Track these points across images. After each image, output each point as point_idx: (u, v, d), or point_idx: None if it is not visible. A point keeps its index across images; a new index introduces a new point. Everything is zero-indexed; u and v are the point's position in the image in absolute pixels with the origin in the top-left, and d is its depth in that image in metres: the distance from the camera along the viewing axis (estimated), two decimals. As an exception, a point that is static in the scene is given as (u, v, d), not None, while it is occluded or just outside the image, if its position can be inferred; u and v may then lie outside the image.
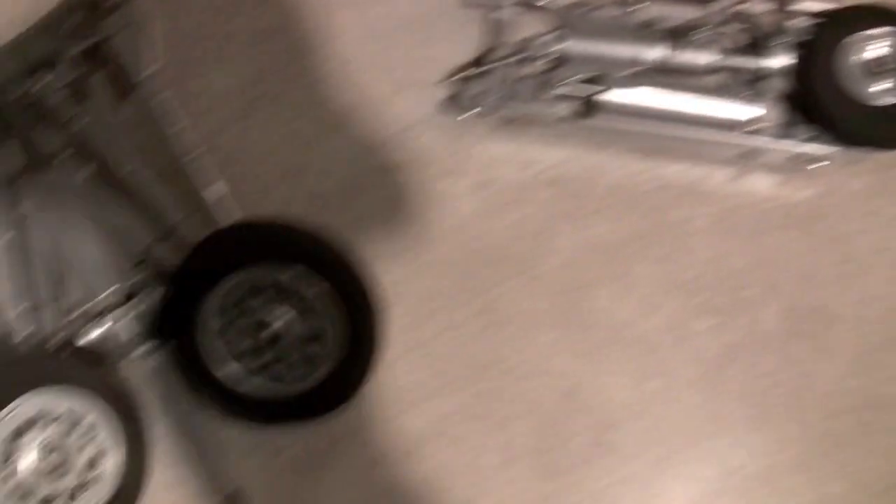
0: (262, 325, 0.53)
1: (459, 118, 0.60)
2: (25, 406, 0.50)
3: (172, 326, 0.53)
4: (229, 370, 0.53)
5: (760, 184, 0.59)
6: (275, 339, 0.53)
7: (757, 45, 0.57)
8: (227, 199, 0.55)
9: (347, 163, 0.60)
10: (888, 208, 0.59)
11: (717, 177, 0.60)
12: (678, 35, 0.57)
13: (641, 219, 0.59)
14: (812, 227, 0.59)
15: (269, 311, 0.53)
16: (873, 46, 0.56)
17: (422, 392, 0.56)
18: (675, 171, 0.60)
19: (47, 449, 0.50)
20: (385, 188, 0.59)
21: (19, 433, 0.50)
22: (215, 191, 0.55)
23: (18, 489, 0.49)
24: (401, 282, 0.57)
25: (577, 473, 0.55)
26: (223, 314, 0.53)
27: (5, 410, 0.49)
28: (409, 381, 0.57)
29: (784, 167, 0.59)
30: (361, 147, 0.60)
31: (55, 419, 0.50)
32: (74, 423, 0.51)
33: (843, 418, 0.56)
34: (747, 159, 0.58)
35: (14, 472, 0.49)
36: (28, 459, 0.50)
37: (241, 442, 0.56)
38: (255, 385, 0.53)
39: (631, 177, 0.59)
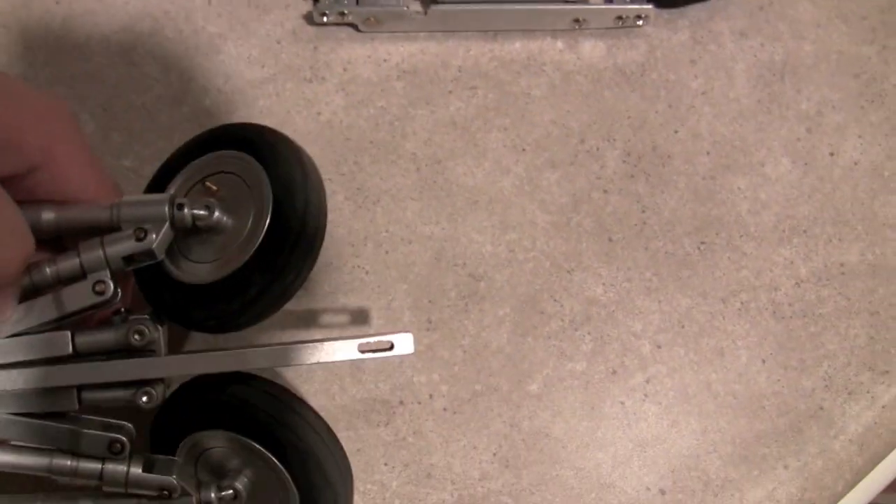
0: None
1: (319, 26, 0.66)
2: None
3: None
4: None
5: (592, 50, 0.66)
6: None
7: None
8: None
9: (224, 81, 0.66)
10: (706, 56, 0.66)
11: (551, 49, 0.66)
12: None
13: (486, 95, 0.65)
14: (641, 80, 0.65)
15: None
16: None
17: (306, 272, 0.61)
18: (514, 48, 0.66)
19: None
20: (260, 98, 0.65)
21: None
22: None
23: None
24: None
25: (455, 322, 0.60)
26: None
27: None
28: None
29: (611, 32, 0.66)
30: (235, 67, 0.66)
31: None
32: None
33: (683, 241, 0.62)
34: (576, 28, 0.65)
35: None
36: None
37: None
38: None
39: (475, 59, 0.66)
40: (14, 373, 0.47)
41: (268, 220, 0.48)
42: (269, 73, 0.65)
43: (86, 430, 0.48)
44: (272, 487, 0.49)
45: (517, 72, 0.65)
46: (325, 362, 0.48)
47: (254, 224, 0.48)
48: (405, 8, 0.63)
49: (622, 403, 0.58)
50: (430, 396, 0.58)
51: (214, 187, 0.50)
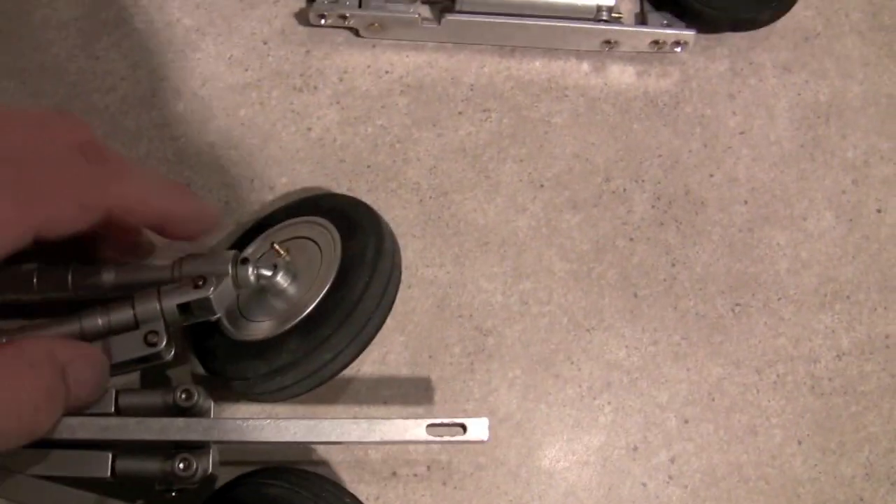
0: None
1: (312, 27, 0.57)
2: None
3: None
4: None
5: (620, 75, 0.58)
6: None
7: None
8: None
9: (201, 83, 0.57)
10: (746, 90, 0.59)
11: (576, 71, 0.58)
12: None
13: (501, 119, 0.57)
14: (674, 113, 0.58)
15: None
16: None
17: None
18: (534, 67, 0.58)
19: None
20: (242, 107, 0.56)
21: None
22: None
23: None
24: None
25: (458, 382, 0.53)
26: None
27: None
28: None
29: (642, 56, 0.58)
30: (214, 69, 0.57)
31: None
32: None
33: (716, 301, 0.55)
34: (605, 50, 0.57)
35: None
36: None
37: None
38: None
39: (489, 77, 0.58)
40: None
41: (323, 292, 0.45)
42: (253, 77, 0.56)
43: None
44: None
45: (536, 95, 0.57)
46: (392, 441, 0.43)
47: (314, 292, 0.45)
48: (416, 15, 0.55)
49: (644, 485, 0.51)
50: (428, 468, 0.51)
51: (283, 251, 0.46)
